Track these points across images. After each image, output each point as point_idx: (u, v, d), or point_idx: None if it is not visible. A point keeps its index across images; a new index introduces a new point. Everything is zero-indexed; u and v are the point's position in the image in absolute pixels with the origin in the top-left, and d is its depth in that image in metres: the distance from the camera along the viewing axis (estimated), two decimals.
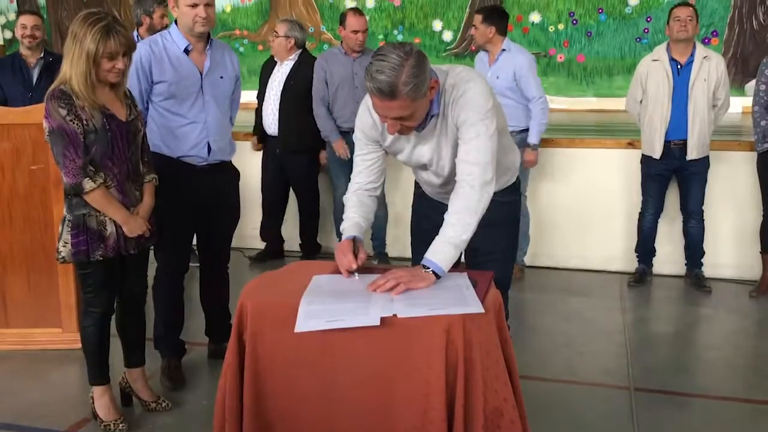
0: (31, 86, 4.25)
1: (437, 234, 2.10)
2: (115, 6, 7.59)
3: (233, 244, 3.40)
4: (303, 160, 4.75)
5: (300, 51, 4.67)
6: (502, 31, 4.37)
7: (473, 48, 6.80)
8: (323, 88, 4.53)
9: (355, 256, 2.14)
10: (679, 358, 3.55)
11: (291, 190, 4.96)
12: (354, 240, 2.19)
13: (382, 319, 1.84)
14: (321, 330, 1.85)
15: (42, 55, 4.37)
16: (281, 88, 4.63)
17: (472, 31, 4.37)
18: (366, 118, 2.24)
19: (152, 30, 4.35)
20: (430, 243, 2.09)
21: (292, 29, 4.60)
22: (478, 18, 4.36)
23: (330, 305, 1.92)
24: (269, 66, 4.80)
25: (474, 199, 2.10)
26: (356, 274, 2.13)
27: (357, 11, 4.52)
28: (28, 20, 4.34)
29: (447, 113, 2.15)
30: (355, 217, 2.26)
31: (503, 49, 4.38)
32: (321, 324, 1.85)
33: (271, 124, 4.69)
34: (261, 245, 5.15)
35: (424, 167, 2.32)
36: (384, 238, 4.88)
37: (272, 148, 4.79)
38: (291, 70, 4.64)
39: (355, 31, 4.42)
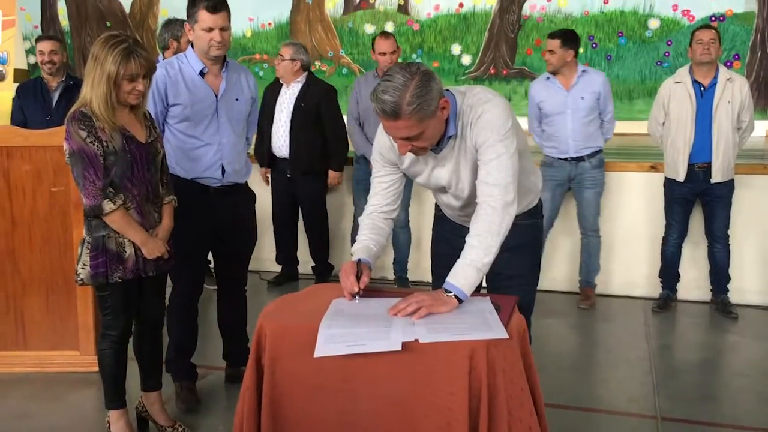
0: (50, 109, 4.29)
1: (458, 257, 2.06)
2: (138, 31, 7.68)
3: (251, 267, 3.37)
4: (313, 180, 4.77)
5: (306, 73, 4.71)
6: (577, 54, 4.39)
7: (492, 71, 6.81)
8: (355, 107, 4.63)
9: (358, 278, 2.10)
10: (706, 387, 3.46)
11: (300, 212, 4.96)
12: (359, 262, 2.15)
13: (404, 344, 1.80)
14: (341, 354, 1.82)
15: (63, 78, 4.41)
16: (291, 110, 4.65)
17: (546, 57, 4.34)
18: (383, 140, 2.23)
19: (178, 52, 4.37)
20: (450, 267, 2.05)
21: (297, 52, 4.65)
22: (555, 43, 4.31)
23: (350, 329, 1.88)
24: (274, 89, 4.81)
25: (496, 221, 2.06)
26: (357, 297, 2.09)
27: (385, 34, 4.57)
28: (45, 46, 4.38)
29: (465, 134, 2.12)
30: (365, 240, 2.24)
31: (583, 71, 4.39)
32: (341, 348, 1.81)
33: (282, 146, 4.70)
34: (278, 268, 5.13)
35: (443, 190, 2.29)
36: (406, 263, 4.85)
37: (282, 171, 4.79)
38: (300, 93, 4.66)
39: (383, 53, 4.45)
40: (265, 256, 5.09)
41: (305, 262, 5.10)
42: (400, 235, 4.75)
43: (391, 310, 1.98)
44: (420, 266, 4.82)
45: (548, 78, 4.44)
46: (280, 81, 4.76)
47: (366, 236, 2.25)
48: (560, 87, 4.39)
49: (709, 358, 3.88)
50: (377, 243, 2.25)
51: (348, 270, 2.12)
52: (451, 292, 2.00)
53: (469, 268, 2.03)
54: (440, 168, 2.21)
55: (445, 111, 2.04)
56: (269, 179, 4.96)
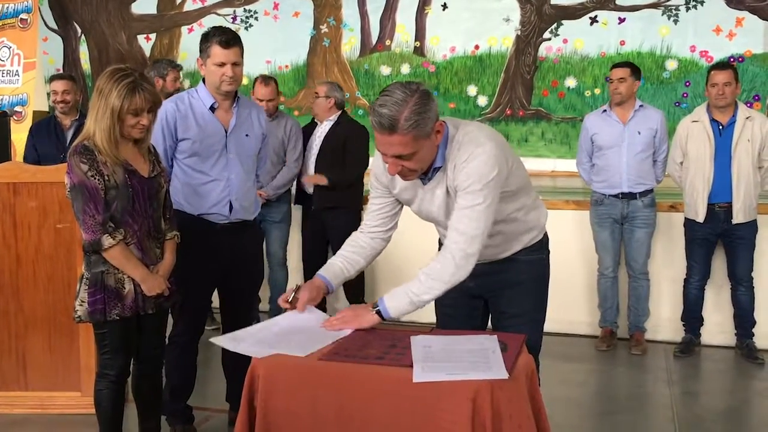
0: (64, 147, 4.29)
1: (462, 298, 1.99)
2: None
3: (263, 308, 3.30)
4: (341, 216, 4.69)
5: (340, 112, 4.75)
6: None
7: (509, 112, 6.77)
8: None
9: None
10: None
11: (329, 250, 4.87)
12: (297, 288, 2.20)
13: (402, 385, 1.71)
14: (340, 398, 1.75)
15: (77, 117, 4.44)
16: (319, 146, 4.67)
17: (615, 86, 4.26)
18: (378, 162, 2.20)
19: (165, 92, 4.40)
20: (455, 307, 2.00)
21: (332, 90, 4.72)
22: (625, 71, 4.27)
23: (449, 362, 1.82)
24: (309, 127, 4.83)
25: (449, 270, 2.03)
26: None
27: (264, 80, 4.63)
28: (58, 86, 4.41)
29: (449, 173, 2.07)
30: (335, 258, 2.28)
31: (641, 105, 4.33)
32: (441, 376, 1.74)
33: (309, 183, 4.69)
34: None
35: (434, 221, 2.26)
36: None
37: (309, 207, 4.76)
38: (329, 130, 4.69)
39: (259, 100, 4.50)
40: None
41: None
42: (278, 273, 4.76)
43: (323, 324, 2.06)
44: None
45: (605, 110, 4.39)
46: (315, 119, 4.79)
47: (339, 253, 2.29)
48: (617, 120, 4.32)
49: (734, 406, 3.71)
50: (347, 259, 2.27)
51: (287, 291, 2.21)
52: (377, 308, 2.03)
53: (405, 297, 2.04)
54: (429, 200, 2.16)
55: (439, 135, 2.01)
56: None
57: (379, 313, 2.03)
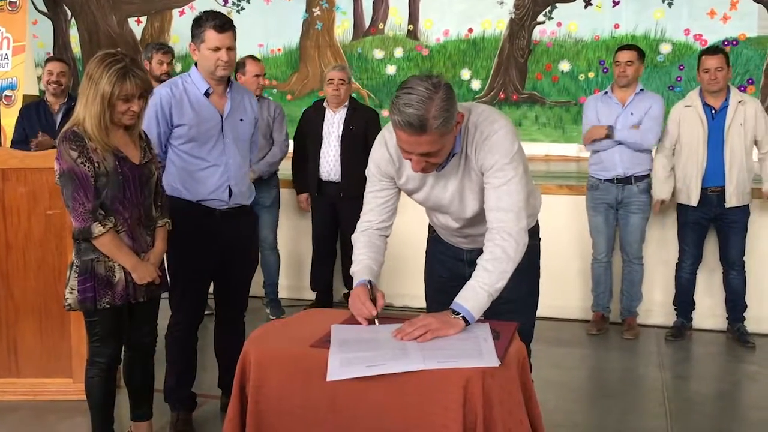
0: (53, 132, 4.26)
1: (453, 281, 1.96)
2: None
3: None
4: (359, 205, 4.66)
5: (350, 97, 4.72)
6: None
7: (502, 96, 6.75)
8: None
9: (374, 302, 2.00)
10: (722, 420, 3.32)
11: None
12: (370, 285, 2.05)
13: (396, 373, 1.70)
14: (332, 386, 1.72)
15: (65, 100, 4.41)
16: (340, 134, 4.61)
17: (623, 69, 4.25)
18: (382, 152, 2.13)
19: (152, 76, 4.37)
20: (445, 290, 1.95)
21: (348, 74, 4.69)
22: (633, 54, 4.26)
23: (365, 353, 1.78)
24: (316, 113, 4.75)
25: (512, 246, 1.97)
26: (377, 321, 1.98)
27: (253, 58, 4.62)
28: (54, 67, 4.38)
29: (470, 155, 2.04)
30: (365, 260, 2.12)
31: (641, 89, 4.32)
32: (361, 370, 1.70)
33: (331, 171, 4.63)
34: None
35: (441, 209, 2.20)
36: (276, 285, 4.85)
37: (326, 196, 4.70)
38: (347, 117, 4.63)
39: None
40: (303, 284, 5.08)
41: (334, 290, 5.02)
42: (270, 257, 4.75)
43: (396, 334, 1.88)
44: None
45: (606, 92, 4.39)
46: (325, 105, 4.70)
47: (365, 255, 2.14)
48: (617, 102, 4.31)
49: (725, 390, 3.73)
50: (377, 262, 2.14)
51: (363, 295, 2.01)
52: (459, 314, 1.91)
53: (481, 291, 1.94)
54: (442, 187, 2.11)
55: (458, 126, 1.96)
56: (309, 205, 4.90)
57: (463, 318, 1.90)
